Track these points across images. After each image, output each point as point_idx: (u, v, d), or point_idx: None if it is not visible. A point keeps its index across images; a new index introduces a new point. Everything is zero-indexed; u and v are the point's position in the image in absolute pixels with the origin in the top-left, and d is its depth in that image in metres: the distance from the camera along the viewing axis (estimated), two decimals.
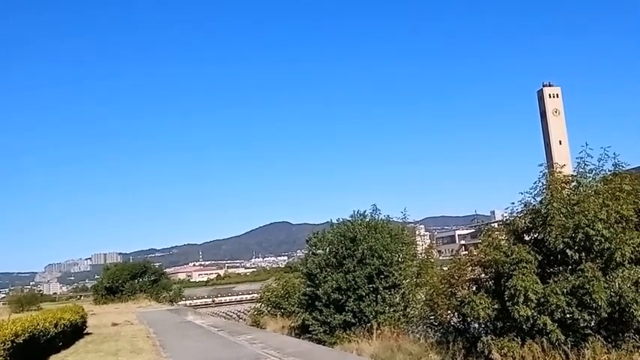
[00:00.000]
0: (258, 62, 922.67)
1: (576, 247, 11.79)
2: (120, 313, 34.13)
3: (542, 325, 11.31)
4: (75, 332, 18.50)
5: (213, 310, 71.49)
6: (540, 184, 13.49)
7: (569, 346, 10.66)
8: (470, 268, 14.53)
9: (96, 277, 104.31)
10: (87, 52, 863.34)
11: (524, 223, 13.60)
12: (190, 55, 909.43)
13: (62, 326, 16.12)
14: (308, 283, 23.60)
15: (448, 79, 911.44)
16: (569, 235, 11.83)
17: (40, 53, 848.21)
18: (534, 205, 13.42)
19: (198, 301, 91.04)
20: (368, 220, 23.44)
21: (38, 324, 13.84)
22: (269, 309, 35.98)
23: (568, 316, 11.42)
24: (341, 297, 20.64)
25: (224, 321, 34.63)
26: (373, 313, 19.89)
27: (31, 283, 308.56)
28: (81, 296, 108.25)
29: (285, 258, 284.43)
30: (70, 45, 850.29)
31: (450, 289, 14.42)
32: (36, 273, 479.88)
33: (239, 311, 72.44)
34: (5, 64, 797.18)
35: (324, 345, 18.22)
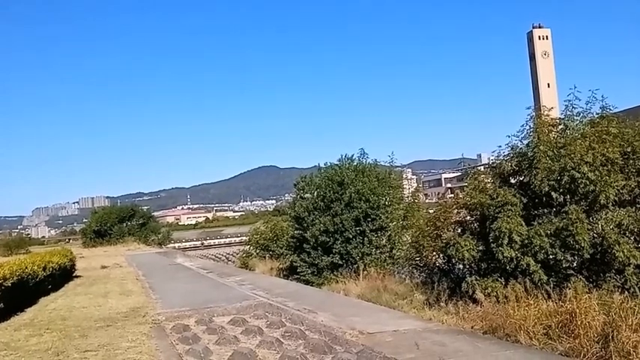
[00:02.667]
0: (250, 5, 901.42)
1: (561, 190, 11.88)
2: (109, 256, 34.33)
3: (525, 265, 11.50)
4: (64, 275, 18.59)
5: (202, 253, 72.20)
6: (528, 127, 13.43)
7: (552, 286, 10.82)
8: (455, 211, 14.63)
9: (84, 220, 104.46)
10: None
11: (511, 166, 13.62)
12: None
13: (51, 269, 16.15)
14: (296, 226, 23.81)
15: (436, 22, 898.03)
16: (554, 177, 11.88)
17: None
18: (521, 149, 13.41)
19: (187, 244, 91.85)
20: (355, 164, 23.49)
21: (27, 267, 13.83)
22: (258, 251, 36.44)
23: (551, 257, 11.59)
24: (328, 239, 20.88)
25: (213, 263, 35.01)
26: (360, 255, 20.19)
27: (18, 227, 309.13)
28: (69, 240, 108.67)
29: (274, 202, 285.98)
30: None
31: (435, 232, 14.55)
32: (23, 217, 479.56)
33: (228, 254, 73.23)
34: None
35: (311, 286, 18.52)
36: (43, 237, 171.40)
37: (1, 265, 13.04)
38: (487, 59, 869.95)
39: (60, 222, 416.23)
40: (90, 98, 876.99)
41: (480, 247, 12.62)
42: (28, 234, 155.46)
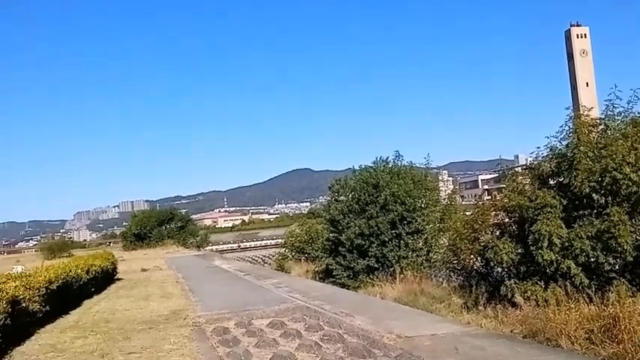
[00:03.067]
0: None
1: (603, 192, 11.66)
2: (149, 259, 34.97)
3: (565, 269, 11.32)
4: (106, 278, 19.02)
5: (239, 255, 72.78)
6: (567, 128, 13.23)
7: (593, 289, 10.65)
8: (493, 213, 14.50)
9: (124, 224, 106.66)
10: None
11: (550, 167, 13.44)
12: None
13: (94, 272, 16.54)
14: (331, 229, 23.85)
15: (473, 21, 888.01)
16: (595, 179, 11.67)
17: None
18: (560, 149, 13.21)
19: (224, 247, 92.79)
20: (390, 166, 23.39)
21: (70, 271, 14.21)
22: (293, 254, 36.57)
23: (592, 260, 11.39)
24: (364, 242, 20.86)
25: (250, 265, 35.34)
26: (396, 258, 20.11)
27: (61, 231, 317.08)
28: (110, 243, 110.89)
29: (308, 204, 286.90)
30: None
31: (473, 234, 14.43)
32: (66, 220, 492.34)
33: (264, 256, 73.61)
34: None
35: (347, 289, 18.54)
36: (85, 240, 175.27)
37: (46, 269, 13.44)
38: (524, 59, 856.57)
39: (101, 225, 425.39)
40: (130, 107, 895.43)
41: (519, 250, 12.47)
42: (71, 237, 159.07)
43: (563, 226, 11.68)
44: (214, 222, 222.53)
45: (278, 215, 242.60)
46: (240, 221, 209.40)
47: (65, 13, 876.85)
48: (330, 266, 23.11)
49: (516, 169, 18.44)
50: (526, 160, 17.09)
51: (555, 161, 13.26)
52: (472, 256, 14.67)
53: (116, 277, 21.33)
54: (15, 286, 10.29)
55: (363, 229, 20.85)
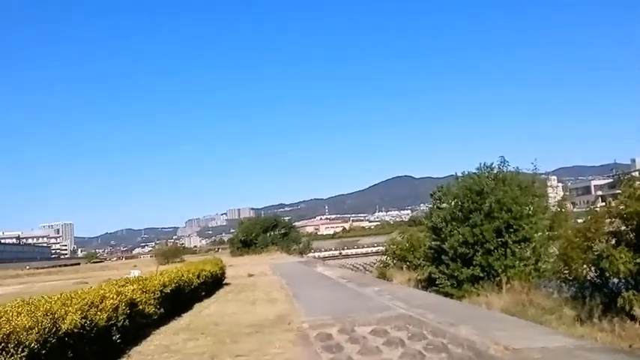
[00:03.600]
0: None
1: None
2: (254, 264, 36.05)
3: None
4: (215, 283, 19.80)
5: (340, 262, 73.31)
6: None
7: None
8: (608, 221, 13.73)
9: (231, 230, 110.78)
10: None
11: None
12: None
13: (204, 277, 17.31)
14: (433, 236, 23.52)
15: (583, 20, 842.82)
16: None
17: None
18: None
19: (326, 253, 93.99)
20: (495, 172, 22.69)
21: (183, 275, 14.94)
22: (394, 262, 36.41)
23: None
24: (468, 251, 20.37)
25: (351, 273, 35.49)
26: (502, 267, 19.46)
27: (173, 237, 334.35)
28: (218, 249, 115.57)
29: (409, 212, 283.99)
30: None
31: (585, 243, 13.73)
32: (178, 228, 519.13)
33: (365, 263, 73.68)
34: None
35: (451, 298, 18.16)
36: (195, 246, 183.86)
37: (160, 273, 14.26)
38: (638, 54, 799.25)
39: (210, 232, 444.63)
40: (233, 117, 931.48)
41: (638, 260, 11.70)
42: (182, 244, 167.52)
43: None
44: (316, 229, 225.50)
45: (378, 223, 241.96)
46: (341, 229, 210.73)
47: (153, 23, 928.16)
48: (432, 275, 22.77)
49: (633, 173, 17.32)
50: None
51: None
52: (585, 266, 13.94)
53: (224, 282, 22.16)
54: (132, 290, 10.97)
55: (466, 237, 20.37)
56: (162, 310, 12.26)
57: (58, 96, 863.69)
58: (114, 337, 9.22)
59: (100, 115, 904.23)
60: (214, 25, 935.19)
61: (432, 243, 23.56)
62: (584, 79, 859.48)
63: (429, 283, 23.64)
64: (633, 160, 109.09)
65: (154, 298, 11.85)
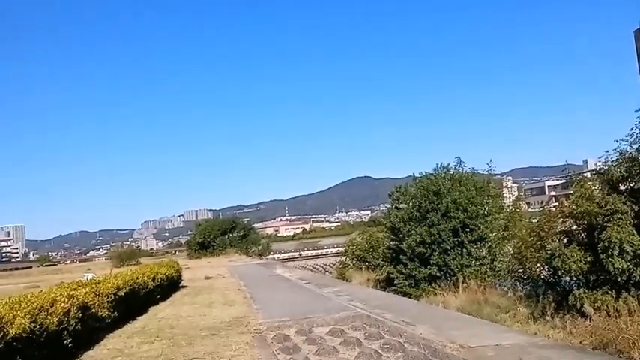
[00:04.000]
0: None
1: None
2: (212, 266, 35.70)
3: (638, 277, 10.84)
4: (171, 285, 19.51)
5: (300, 264, 73.24)
6: (637, 131, 12.68)
7: None
8: (560, 220, 14.05)
9: (189, 232, 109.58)
10: None
11: (620, 172, 12.90)
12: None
13: (159, 280, 17.02)
14: (392, 237, 23.67)
15: (535, 21, 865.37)
16: None
17: None
18: (631, 153, 12.67)
19: (286, 255, 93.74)
20: (452, 173, 23.02)
21: (138, 278, 14.67)
22: (354, 262, 36.48)
23: None
24: (425, 250, 20.59)
25: (311, 274, 35.48)
26: (459, 267, 19.73)
27: (129, 239, 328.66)
28: (175, 251, 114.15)
29: (369, 212, 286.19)
30: None
31: (539, 242, 14.04)
32: (134, 230, 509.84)
33: (325, 264, 73.80)
34: None
35: (409, 297, 18.33)
36: (152, 249, 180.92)
37: (115, 276, 13.95)
38: (592, 59, 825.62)
39: (167, 234, 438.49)
40: (189, 118, 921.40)
41: (588, 258, 12.01)
42: (138, 246, 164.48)
43: (635, 233, 11.19)
44: (276, 231, 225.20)
45: (339, 224, 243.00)
46: (301, 230, 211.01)
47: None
48: (391, 274, 22.92)
49: (585, 174, 17.77)
50: (595, 165, 16.43)
51: (626, 166, 12.73)
52: (538, 265, 14.26)
53: (181, 285, 21.85)
54: (85, 293, 10.71)
55: (424, 237, 20.58)
56: (116, 313, 12.02)
57: (8, 95, 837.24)
58: (65, 342, 8.99)
59: (52, 115, 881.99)
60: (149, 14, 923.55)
61: (391, 243, 23.72)
62: (537, 82, 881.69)
63: (387, 283, 23.78)
64: (585, 161, 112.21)
65: (108, 301, 11.62)
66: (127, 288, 13.23)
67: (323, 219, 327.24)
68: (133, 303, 13.63)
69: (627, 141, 12.82)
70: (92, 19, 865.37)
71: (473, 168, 23.66)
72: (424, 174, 23.72)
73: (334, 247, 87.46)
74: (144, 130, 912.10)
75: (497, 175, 27.32)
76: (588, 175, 17.49)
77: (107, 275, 14.34)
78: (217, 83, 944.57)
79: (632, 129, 12.79)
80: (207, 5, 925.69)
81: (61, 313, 8.93)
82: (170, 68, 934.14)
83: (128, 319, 12.98)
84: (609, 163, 13.36)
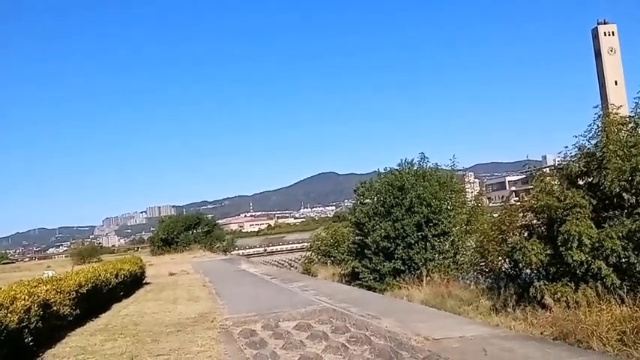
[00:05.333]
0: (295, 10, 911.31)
1: (633, 191, 11.42)
2: (176, 263, 35.33)
3: (596, 269, 11.11)
4: (134, 282, 19.26)
5: (266, 259, 73.11)
6: (595, 127, 12.98)
7: (625, 290, 10.48)
8: (521, 214, 14.30)
9: (152, 229, 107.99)
10: None
11: (579, 167, 13.20)
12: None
13: (122, 277, 16.79)
14: (357, 232, 23.82)
15: (496, 20, 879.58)
16: (625, 178, 11.45)
17: None
18: (589, 149, 12.97)
19: (251, 251, 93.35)
20: (416, 168, 23.27)
21: (100, 275, 14.45)
22: (319, 257, 36.64)
23: (624, 260, 11.15)
24: (390, 245, 20.78)
25: (276, 269, 35.48)
26: (422, 261, 19.99)
27: (90, 237, 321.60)
28: (138, 248, 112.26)
29: (333, 208, 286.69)
30: None
31: (500, 236, 14.26)
32: (95, 226, 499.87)
33: (290, 260, 73.82)
34: None
35: (374, 292, 18.48)
36: (113, 246, 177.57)
37: (76, 273, 13.69)
38: (550, 57, 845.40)
39: (129, 231, 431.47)
40: (151, 113, 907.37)
41: (548, 251, 12.26)
42: (100, 243, 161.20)
43: (593, 226, 11.46)
44: (240, 226, 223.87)
45: (304, 219, 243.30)
46: (266, 225, 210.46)
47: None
48: (356, 269, 23.07)
49: (544, 169, 18.16)
50: (554, 160, 16.82)
51: (584, 161, 13.03)
52: (500, 258, 14.49)
53: (144, 282, 21.60)
54: (46, 290, 10.49)
55: (388, 232, 20.77)
56: (78, 310, 11.84)
57: None
58: (26, 340, 8.82)
59: (9, 110, 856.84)
60: None
61: (356, 238, 23.86)
62: (498, 79, 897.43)
63: (352, 278, 23.93)
64: (545, 157, 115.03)
65: (70, 299, 11.43)
66: (89, 285, 13.01)
67: (288, 215, 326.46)
68: (95, 300, 13.43)
69: (586, 136, 13.12)
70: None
71: (436, 163, 24.02)
72: (388, 169, 23.95)
73: (299, 243, 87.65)
74: (105, 125, 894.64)
75: (460, 170, 27.72)
76: (548, 170, 17.89)
77: (68, 272, 14.07)
78: (181, 78, 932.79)
79: (590, 125, 13.09)
80: None
81: (22, 311, 8.74)
82: (132, 60, 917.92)
83: (91, 316, 12.80)
84: (568, 159, 13.64)
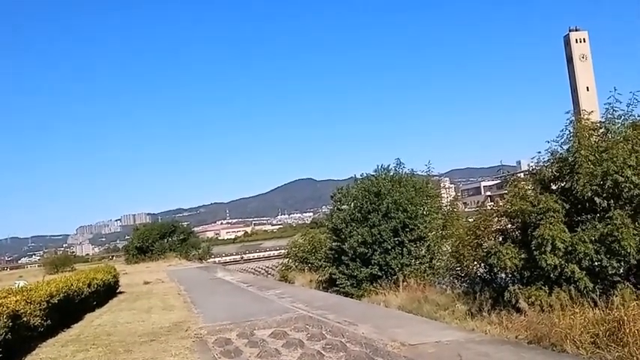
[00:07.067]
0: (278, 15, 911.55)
1: (605, 195, 11.60)
2: (151, 271, 34.90)
3: (569, 273, 11.24)
4: (108, 291, 18.97)
5: (242, 267, 72.59)
6: (567, 132, 13.17)
7: (598, 293, 10.62)
8: (496, 219, 14.42)
9: (126, 237, 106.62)
10: None
11: (551, 172, 13.38)
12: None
13: (96, 286, 16.52)
14: (334, 237, 23.77)
15: (471, 26, 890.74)
16: (597, 182, 11.62)
17: None
18: (561, 154, 13.16)
19: (227, 258, 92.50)
20: (392, 174, 23.35)
21: (72, 284, 14.21)
22: (296, 264, 36.47)
23: (596, 263, 11.30)
24: (367, 250, 20.77)
25: (253, 277, 35.23)
26: (399, 266, 20.01)
27: (64, 245, 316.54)
28: (113, 256, 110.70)
29: (311, 214, 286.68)
30: None
31: (476, 241, 14.36)
32: (68, 235, 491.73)
33: (267, 267, 73.50)
34: None
35: (351, 298, 18.45)
36: (87, 254, 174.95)
37: (48, 283, 13.43)
38: (523, 64, 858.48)
39: (103, 239, 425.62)
40: (128, 119, 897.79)
41: (523, 256, 12.38)
42: (73, 252, 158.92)
43: (566, 230, 11.60)
44: (217, 234, 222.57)
45: (281, 226, 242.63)
46: (243, 233, 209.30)
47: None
48: (333, 275, 23.00)
49: (518, 174, 18.38)
50: (528, 165, 17.02)
51: (557, 166, 13.21)
52: (475, 263, 14.59)
53: (118, 291, 21.28)
54: (16, 301, 10.29)
55: (365, 238, 20.77)
56: (49, 321, 11.63)
57: None
58: None
59: None
60: None
61: (333, 244, 23.82)
62: (474, 85, 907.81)
63: (330, 284, 23.86)
64: (519, 162, 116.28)
65: (40, 309, 11.22)
66: (61, 295, 12.78)
67: (265, 221, 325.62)
68: (67, 310, 13.20)
69: (558, 142, 13.31)
70: None
71: (412, 169, 24.15)
72: (365, 175, 23.98)
73: (276, 250, 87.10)
74: (78, 132, 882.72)
75: (436, 175, 27.91)
76: (522, 175, 18.09)
77: (39, 282, 13.79)
78: (156, 82, 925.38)
79: (562, 130, 13.28)
80: None
81: None
82: (106, 64, 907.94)
83: (62, 327, 12.60)
84: (541, 164, 13.83)
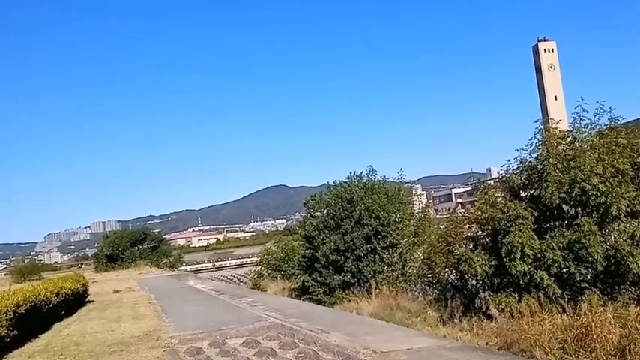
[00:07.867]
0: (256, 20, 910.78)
1: (572, 202, 11.82)
2: (121, 280, 34.34)
3: (538, 279, 11.42)
4: (77, 300, 18.59)
5: (214, 275, 72.04)
6: (536, 141, 13.43)
7: (566, 299, 10.79)
8: (467, 226, 14.57)
9: (96, 245, 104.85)
10: None
11: (520, 179, 13.61)
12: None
13: (64, 295, 16.18)
14: (307, 245, 23.79)
15: (442, 35, 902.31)
16: (565, 190, 11.84)
17: None
18: (530, 162, 13.39)
19: (199, 266, 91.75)
20: (364, 181, 23.49)
21: (40, 293, 13.88)
22: (269, 272, 36.36)
23: (564, 270, 11.52)
24: (340, 258, 20.82)
25: (225, 285, 34.98)
26: (372, 273, 20.09)
27: (31, 253, 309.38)
28: (82, 264, 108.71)
29: (284, 221, 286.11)
30: None
31: (447, 247, 14.49)
32: (36, 243, 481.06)
33: (239, 275, 73.08)
34: None
35: (324, 305, 18.44)
36: (56, 262, 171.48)
37: (14, 292, 13.09)
38: (493, 73, 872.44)
39: (72, 247, 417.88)
40: (96, 125, 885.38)
41: (493, 262, 12.54)
42: (41, 260, 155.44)
43: (535, 237, 11.80)
44: (188, 241, 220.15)
45: (254, 233, 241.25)
46: (215, 240, 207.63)
47: None
48: (306, 283, 22.99)
49: (488, 182, 18.66)
50: (498, 173, 17.28)
51: (526, 173, 13.44)
52: (447, 269, 14.71)
53: (87, 299, 20.87)
54: None
55: (338, 245, 20.81)
56: (15, 331, 11.33)
57: None
58: None
59: None
60: None
61: (306, 251, 23.83)
62: (445, 93, 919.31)
63: (302, 292, 23.84)
64: (489, 170, 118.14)
65: (7, 319, 10.93)
66: (28, 304, 12.45)
67: (237, 229, 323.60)
68: (34, 320, 12.88)
69: (527, 150, 13.56)
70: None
71: (384, 176, 24.30)
72: (338, 182, 24.06)
73: (249, 257, 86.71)
74: (45, 137, 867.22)
75: (407, 183, 28.15)
76: (492, 182, 18.36)
77: (6, 292, 13.45)
78: (127, 90, 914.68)
79: (531, 139, 13.54)
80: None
81: None
82: (80, 69, 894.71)
83: (30, 337, 12.27)
84: (511, 172, 14.06)
